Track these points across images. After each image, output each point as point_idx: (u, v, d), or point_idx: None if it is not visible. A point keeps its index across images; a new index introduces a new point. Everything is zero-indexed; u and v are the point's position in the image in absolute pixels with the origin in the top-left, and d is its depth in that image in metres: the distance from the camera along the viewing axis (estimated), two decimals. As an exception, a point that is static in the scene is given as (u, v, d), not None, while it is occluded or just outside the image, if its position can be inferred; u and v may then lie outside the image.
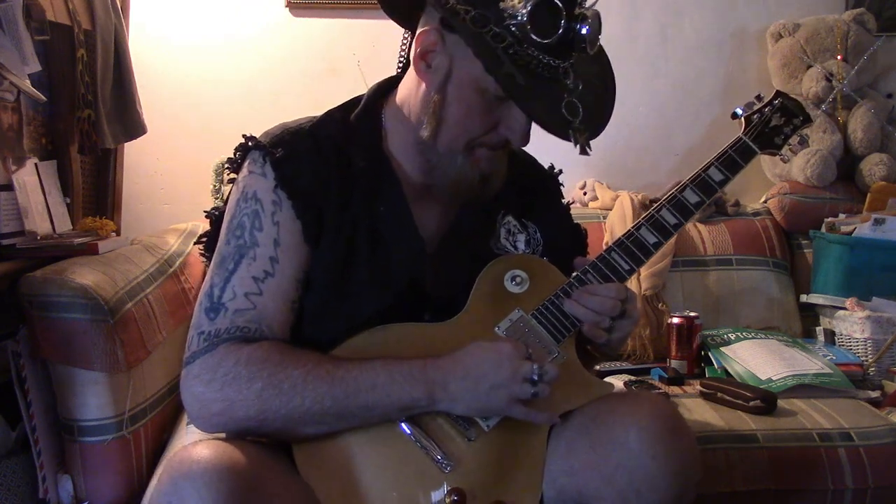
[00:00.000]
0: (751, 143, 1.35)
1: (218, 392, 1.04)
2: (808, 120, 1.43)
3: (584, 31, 1.07)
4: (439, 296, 1.20)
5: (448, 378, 1.07)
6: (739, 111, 1.41)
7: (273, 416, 1.04)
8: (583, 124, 1.06)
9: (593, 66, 1.16)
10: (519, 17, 1.04)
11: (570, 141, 1.06)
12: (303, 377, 1.05)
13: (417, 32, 1.13)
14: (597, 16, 1.09)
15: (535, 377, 1.06)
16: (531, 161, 1.38)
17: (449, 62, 1.11)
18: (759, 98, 1.42)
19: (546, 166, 1.41)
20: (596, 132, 1.10)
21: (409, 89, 1.18)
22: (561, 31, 1.05)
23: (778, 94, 1.43)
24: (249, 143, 1.17)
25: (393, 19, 1.22)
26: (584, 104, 1.08)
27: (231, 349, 1.06)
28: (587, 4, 1.10)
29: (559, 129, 1.06)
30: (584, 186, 2.37)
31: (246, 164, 1.17)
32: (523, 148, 1.33)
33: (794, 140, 1.42)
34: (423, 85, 1.15)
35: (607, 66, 1.20)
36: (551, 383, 1.08)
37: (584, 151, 1.06)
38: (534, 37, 1.04)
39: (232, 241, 1.12)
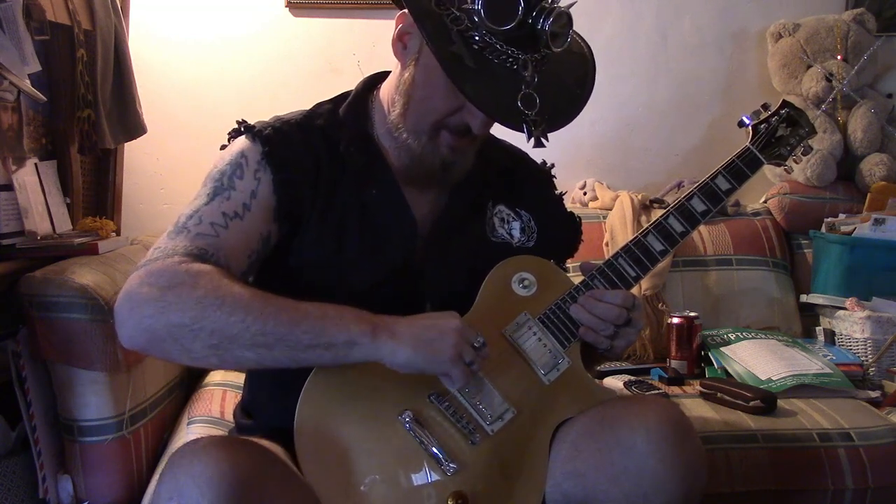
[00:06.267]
0: (758, 154, 1.35)
1: (157, 292, 0.99)
2: (813, 131, 1.42)
3: (545, 25, 1.06)
4: (434, 281, 1.20)
5: (398, 323, 1.05)
6: (747, 120, 1.39)
7: (209, 327, 0.99)
8: (539, 117, 1.06)
9: (570, 65, 1.16)
10: (477, 3, 1.05)
11: (520, 131, 1.06)
12: (249, 296, 1.01)
13: (397, 15, 1.16)
14: (564, 13, 1.09)
15: (477, 344, 1.06)
16: (522, 155, 1.39)
17: (421, 43, 1.12)
18: (765, 107, 1.40)
19: (538, 162, 1.41)
20: (554, 127, 1.09)
21: (393, 75, 1.21)
22: (517, 20, 1.05)
23: (785, 103, 1.42)
24: (242, 129, 1.20)
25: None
26: (546, 99, 1.08)
27: (182, 260, 1.04)
28: (561, 3, 1.10)
29: (506, 117, 1.07)
30: (584, 186, 2.36)
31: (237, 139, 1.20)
32: (520, 146, 1.34)
33: (799, 151, 1.41)
34: (400, 66, 1.18)
35: (587, 67, 1.19)
36: (483, 360, 1.08)
37: (538, 144, 1.07)
38: (488, 23, 1.05)
39: (209, 184, 1.14)
